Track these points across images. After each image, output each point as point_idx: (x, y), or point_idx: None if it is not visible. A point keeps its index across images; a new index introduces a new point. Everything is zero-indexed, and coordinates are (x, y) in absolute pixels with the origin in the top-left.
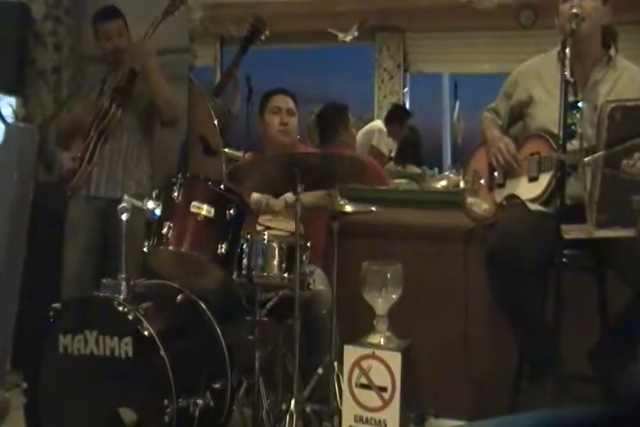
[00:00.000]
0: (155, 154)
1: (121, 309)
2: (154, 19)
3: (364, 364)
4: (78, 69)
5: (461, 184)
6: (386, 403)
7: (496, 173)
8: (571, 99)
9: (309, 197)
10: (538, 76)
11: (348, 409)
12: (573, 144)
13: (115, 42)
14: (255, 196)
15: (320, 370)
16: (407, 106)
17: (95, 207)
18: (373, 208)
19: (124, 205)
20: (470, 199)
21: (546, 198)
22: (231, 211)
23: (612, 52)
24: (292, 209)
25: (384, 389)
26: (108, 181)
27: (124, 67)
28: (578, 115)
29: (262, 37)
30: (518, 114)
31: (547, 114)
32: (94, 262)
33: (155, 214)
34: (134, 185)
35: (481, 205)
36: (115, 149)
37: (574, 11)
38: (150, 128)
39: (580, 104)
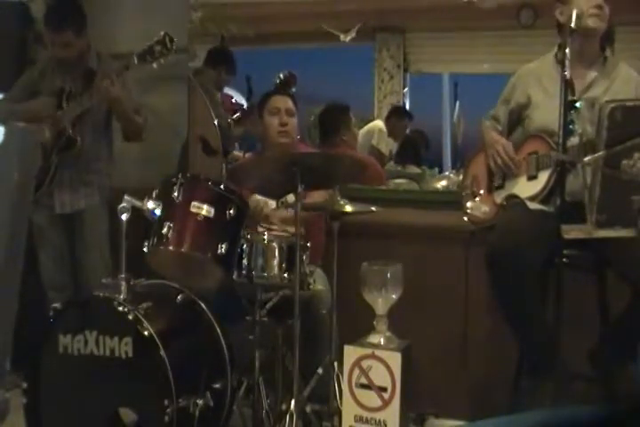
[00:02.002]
0: (114, 150)
1: (121, 309)
2: (155, 19)
3: (364, 364)
4: None
5: (462, 191)
6: (386, 403)
7: (495, 176)
8: (569, 98)
9: (313, 197)
10: (536, 78)
11: (348, 409)
12: (572, 141)
13: (58, 54)
14: (255, 197)
15: (320, 370)
16: (407, 106)
17: (60, 214)
18: (373, 208)
19: (123, 205)
20: (470, 203)
21: (545, 196)
22: (231, 211)
23: (608, 52)
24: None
25: (384, 389)
26: (71, 198)
27: (74, 75)
28: (575, 114)
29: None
30: (517, 118)
31: (545, 114)
32: (69, 265)
33: (155, 214)
34: (97, 193)
35: (480, 208)
36: (75, 170)
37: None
38: (107, 130)
39: (577, 104)
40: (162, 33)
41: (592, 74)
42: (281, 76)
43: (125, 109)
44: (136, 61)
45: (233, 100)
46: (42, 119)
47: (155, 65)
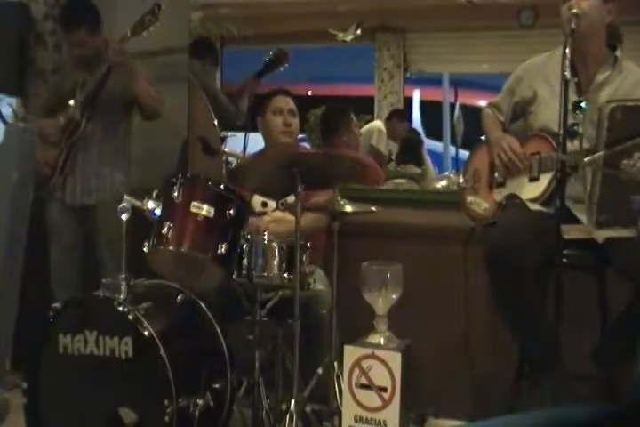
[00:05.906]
0: (130, 149)
1: (121, 309)
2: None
3: (364, 364)
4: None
5: (460, 180)
6: (386, 403)
7: (496, 173)
8: (575, 98)
9: (304, 222)
10: (543, 73)
11: (348, 409)
12: (575, 144)
13: (75, 52)
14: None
15: (320, 370)
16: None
17: (72, 208)
18: (373, 208)
19: (123, 204)
20: (470, 198)
21: (546, 199)
22: (231, 211)
23: (619, 53)
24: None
25: (384, 389)
26: (82, 190)
27: (93, 71)
28: (581, 115)
29: (281, 69)
30: (521, 111)
31: (550, 112)
32: (79, 262)
33: (155, 214)
34: (109, 188)
35: (481, 205)
36: (87, 158)
37: (574, 11)
38: (126, 126)
39: (583, 104)
40: (154, 3)
41: (600, 74)
42: (271, 53)
43: (137, 78)
44: (129, 34)
45: None
46: (50, 141)
47: (145, 34)
